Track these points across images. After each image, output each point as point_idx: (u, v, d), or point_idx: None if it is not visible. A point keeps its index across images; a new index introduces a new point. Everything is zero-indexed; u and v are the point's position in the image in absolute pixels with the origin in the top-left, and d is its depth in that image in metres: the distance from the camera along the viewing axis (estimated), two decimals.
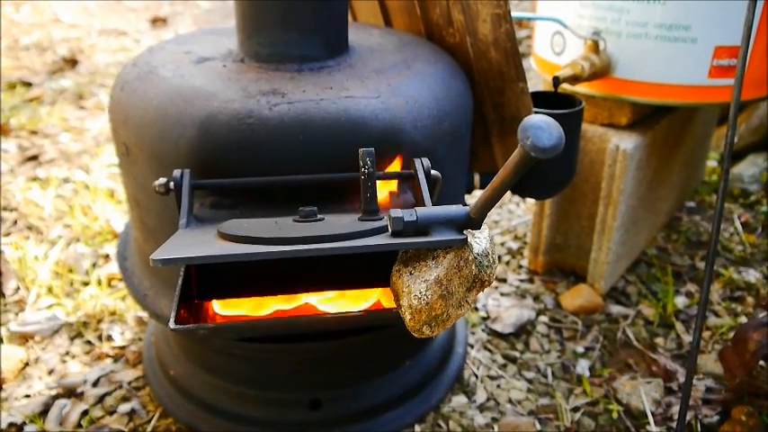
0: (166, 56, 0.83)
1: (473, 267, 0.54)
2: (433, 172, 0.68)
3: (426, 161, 0.68)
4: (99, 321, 1.10)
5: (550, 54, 1.15)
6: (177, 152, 0.69)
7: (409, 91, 0.74)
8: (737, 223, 1.47)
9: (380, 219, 0.58)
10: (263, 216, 0.66)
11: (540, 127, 0.43)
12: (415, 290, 0.55)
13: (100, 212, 1.40)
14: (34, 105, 2.12)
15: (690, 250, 1.38)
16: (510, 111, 0.93)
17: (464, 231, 0.55)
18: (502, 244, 1.41)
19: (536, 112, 0.92)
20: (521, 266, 1.33)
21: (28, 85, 2.35)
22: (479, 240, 0.55)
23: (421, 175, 0.67)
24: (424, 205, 0.65)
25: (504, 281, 1.29)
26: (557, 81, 0.98)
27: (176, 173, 0.65)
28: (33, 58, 2.72)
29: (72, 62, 2.61)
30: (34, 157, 1.69)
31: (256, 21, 0.78)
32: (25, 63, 2.65)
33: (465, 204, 0.99)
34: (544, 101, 1.01)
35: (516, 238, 1.43)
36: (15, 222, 1.37)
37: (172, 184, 0.65)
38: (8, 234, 1.33)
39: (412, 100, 0.74)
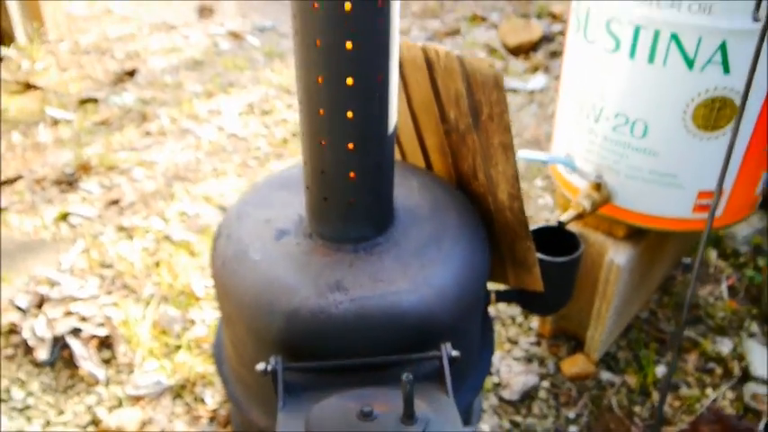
0: (252, 228, 1.07)
1: None
2: (453, 353, 0.94)
3: (449, 348, 0.93)
4: (193, 384, 1.40)
5: (564, 171, 1.36)
6: (269, 335, 0.95)
7: (439, 281, 0.98)
8: (724, 286, 1.69)
9: (416, 422, 0.84)
10: (338, 386, 0.92)
11: None
12: None
13: (181, 270, 1.68)
14: (104, 130, 2.38)
15: (678, 315, 1.61)
16: (519, 257, 1.16)
17: None
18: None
19: (540, 259, 1.15)
20: (530, 329, 1.59)
21: (94, 101, 2.60)
22: None
23: (445, 362, 0.92)
24: (446, 391, 0.91)
25: (515, 344, 1.55)
26: (561, 224, 1.21)
27: (272, 361, 0.91)
28: (94, 64, 2.95)
29: (131, 73, 2.84)
30: (116, 202, 1.96)
31: (323, 217, 1.01)
32: (88, 71, 2.88)
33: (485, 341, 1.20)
34: (549, 234, 1.23)
35: None
36: (113, 281, 1.66)
37: (269, 367, 0.91)
38: (109, 292, 1.63)
39: (442, 290, 0.98)
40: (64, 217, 1.90)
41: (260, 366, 0.92)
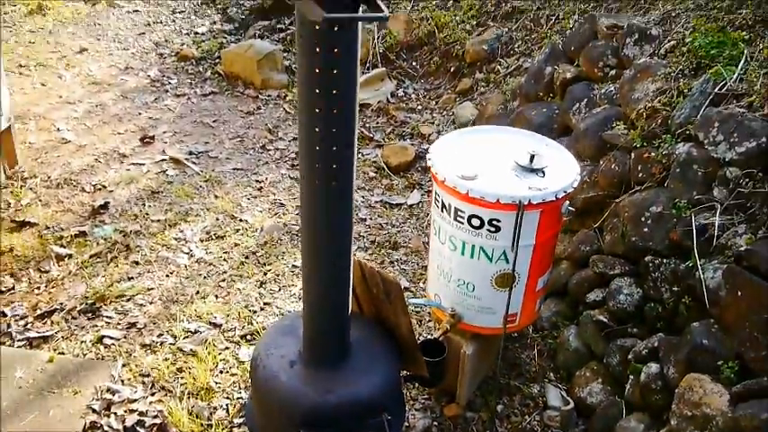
0: (274, 361, 2.00)
1: None
2: (387, 419, 1.92)
3: (387, 417, 1.92)
4: None
5: (435, 306, 2.41)
6: (294, 419, 1.89)
7: (379, 381, 1.97)
8: (535, 350, 2.81)
9: None
10: None
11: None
12: None
13: (197, 373, 2.54)
14: (101, 262, 3.15)
15: (509, 373, 2.70)
16: (413, 359, 2.18)
17: None
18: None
19: (425, 359, 2.17)
20: (424, 389, 2.60)
21: (84, 235, 3.35)
22: None
23: (386, 422, 1.91)
24: None
25: (416, 400, 2.56)
26: (436, 339, 2.24)
27: None
28: (70, 198, 3.67)
29: (103, 206, 3.60)
30: (133, 324, 2.78)
31: (317, 356, 1.97)
32: (67, 205, 3.61)
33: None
34: (430, 344, 2.26)
35: None
36: (153, 384, 2.49)
37: None
38: (153, 393, 2.46)
39: (381, 386, 1.96)
40: (100, 340, 2.69)
41: None
